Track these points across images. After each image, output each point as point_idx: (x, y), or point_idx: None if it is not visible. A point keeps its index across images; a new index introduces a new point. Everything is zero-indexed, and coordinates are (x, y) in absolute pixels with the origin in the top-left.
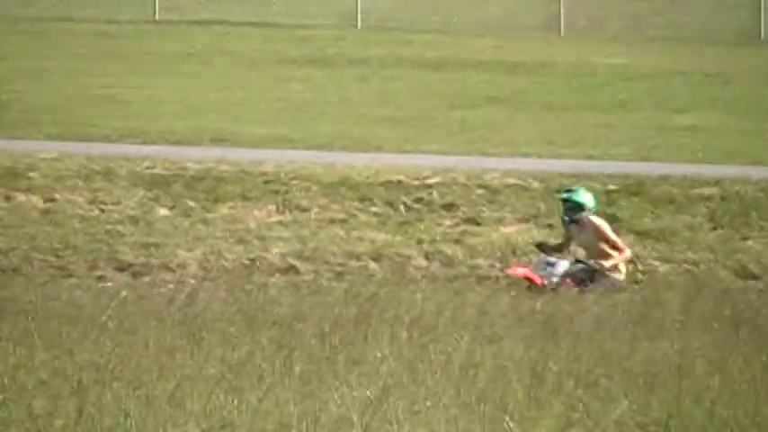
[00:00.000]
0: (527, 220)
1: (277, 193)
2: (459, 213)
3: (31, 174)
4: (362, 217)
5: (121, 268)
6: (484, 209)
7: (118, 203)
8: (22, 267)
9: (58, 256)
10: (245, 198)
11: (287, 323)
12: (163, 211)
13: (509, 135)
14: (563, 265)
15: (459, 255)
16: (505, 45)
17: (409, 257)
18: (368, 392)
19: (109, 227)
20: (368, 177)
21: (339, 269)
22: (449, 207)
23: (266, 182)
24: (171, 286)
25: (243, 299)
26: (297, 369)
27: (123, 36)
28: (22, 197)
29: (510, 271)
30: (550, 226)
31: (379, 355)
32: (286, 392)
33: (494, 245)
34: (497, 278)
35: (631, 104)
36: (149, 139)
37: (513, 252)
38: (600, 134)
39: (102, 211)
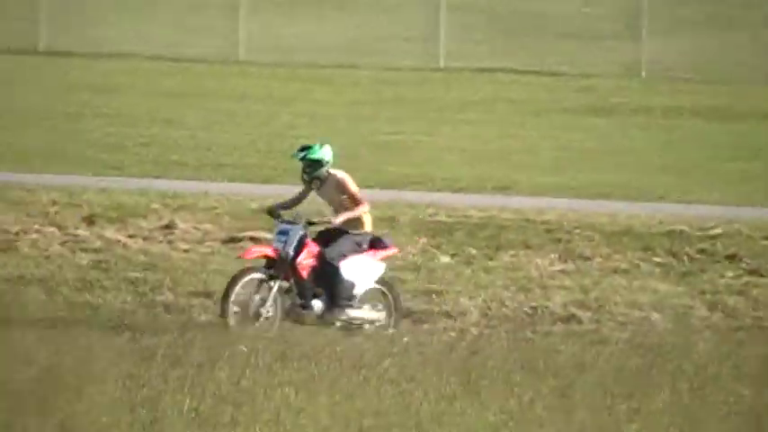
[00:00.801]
0: None
1: (559, 241)
2: (743, 264)
3: None
4: (645, 267)
5: (403, 315)
6: None
7: (400, 250)
8: None
9: None
10: (526, 246)
11: (568, 373)
12: (445, 259)
13: None
14: (296, 232)
15: (742, 306)
16: None
17: (692, 308)
18: None
19: (391, 274)
20: (651, 227)
21: (621, 319)
22: (732, 258)
23: (548, 230)
24: (452, 334)
25: (524, 347)
26: (577, 419)
27: (406, 83)
28: None
29: (245, 256)
30: None
31: (660, 406)
32: None
33: None
34: None
35: None
36: (433, 186)
37: None
38: None
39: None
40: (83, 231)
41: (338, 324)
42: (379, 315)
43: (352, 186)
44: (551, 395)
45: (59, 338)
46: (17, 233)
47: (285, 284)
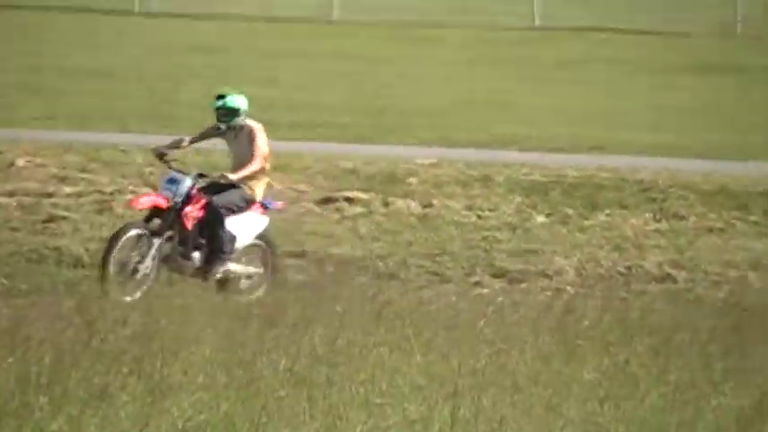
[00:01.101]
0: None
1: (654, 200)
2: None
3: (410, 179)
4: (740, 226)
5: (498, 275)
6: None
7: (495, 210)
8: (400, 272)
9: (435, 262)
10: (622, 206)
11: (663, 332)
12: (540, 218)
13: None
14: (186, 183)
15: None
16: None
17: None
18: (743, 403)
19: (486, 233)
20: (746, 186)
21: (716, 278)
22: None
23: (643, 190)
24: (548, 293)
25: (619, 306)
26: (672, 378)
27: (502, 42)
28: (400, 203)
29: (134, 204)
30: None
31: (755, 365)
32: (661, 401)
33: None
34: None
35: None
36: (527, 145)
37: None
38: None
39: (480, 217)
40: None
41: (216, 276)
42: (256, 269)
43: (260, 140)
44: (646, 354)
45: (155, 298)
46: (112, 193)
47: (167, 240)
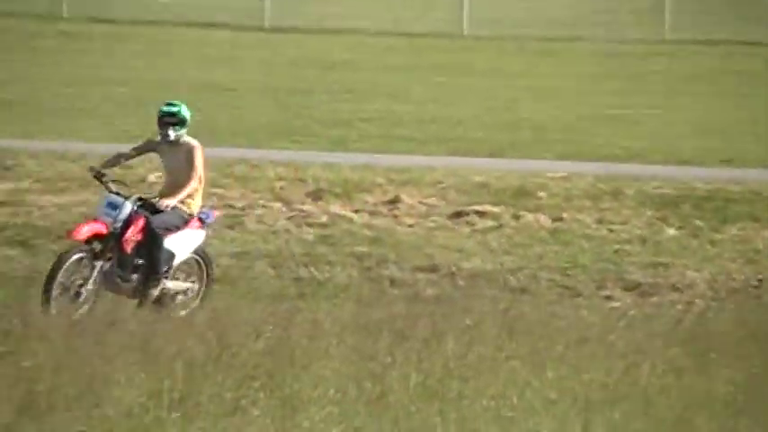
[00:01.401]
0: None
1: None
2: None
3: (540, 193)
4: None
5: (629, 288)
6: None
7: (625, 223)
8: (530, 286)
9: (565, 276)
10: (754, 219)
11: None
12: (671, 231)
13: None
14: (126, 209)
15: None
16: None
17: None
18: None
19: (617, 246)
20: None
21: None
22: None
23: None
24: (679, 306)
25: (752, 319)
26: None
27: (631, 56)
28: (530, 216)
29: (75, 234)
30: None
31: None
32: None
33: None
34: None
35: None
36: (657, 159)
37: None
38: None
39: (611, 230)
40: (309, 206)
41: (153, 295)
42: (191, 285)
43: (199, 160)
44: None
45: (286, 313)
46: (243, 208)
47: (108, 264)
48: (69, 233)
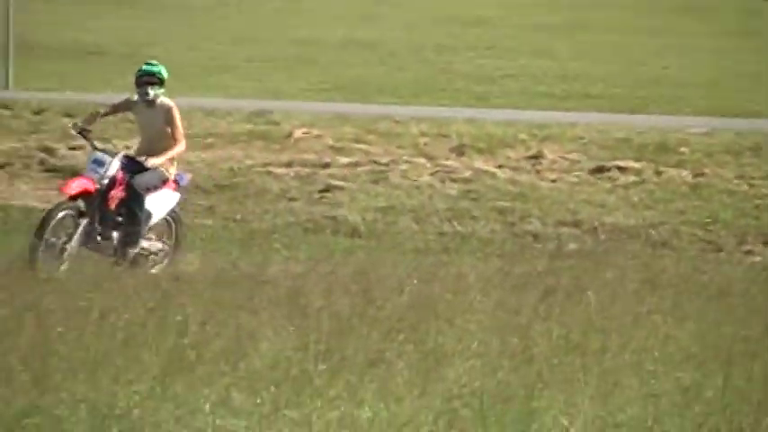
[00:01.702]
0: None
1: None
2: None
3: (682, 149)
4: None
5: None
6: None
7: (766, 178)
8: (672, 241)
9: (706, 230)
10: None
11: None
12: None
13: None
14: (114, 165)
15: None
16: None
17: None
18: None
19: (757, 201)
20: None
21: None
22: None
23: None
24: None
25: None
26: None
27: None
28: (672, 172)
29: (65, 190)
30: None
31: None
32: None
33: None
34: None
35: None
36: None
37: None
38: None
39: (751, 185)
40: (452, 162)
41: (131, 254)
42: (163, 246)
43: (179, 120)
44: None
45: (430, 267)
46: (388, 164)
47: (89, 224)
48: (60, 188)
